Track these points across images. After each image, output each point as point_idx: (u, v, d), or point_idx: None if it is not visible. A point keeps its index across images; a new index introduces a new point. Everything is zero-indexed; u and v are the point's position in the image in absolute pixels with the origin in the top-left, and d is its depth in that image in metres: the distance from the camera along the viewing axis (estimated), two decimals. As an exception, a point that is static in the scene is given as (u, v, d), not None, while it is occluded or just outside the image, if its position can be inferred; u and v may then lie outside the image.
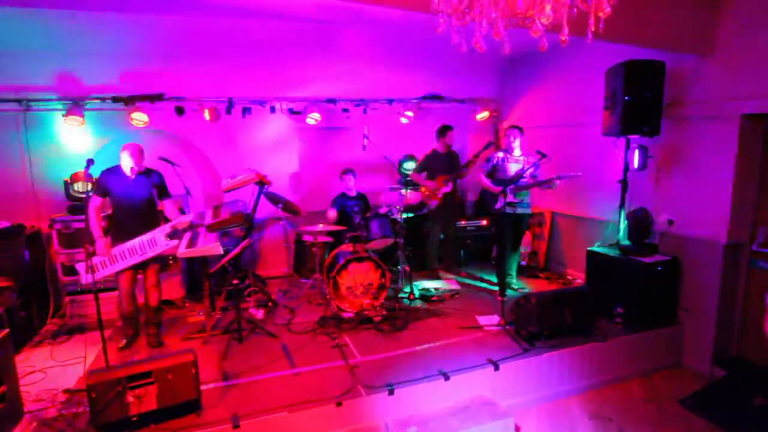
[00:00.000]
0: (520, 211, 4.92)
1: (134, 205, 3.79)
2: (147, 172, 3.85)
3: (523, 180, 4.76)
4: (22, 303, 4.07)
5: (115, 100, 4.95)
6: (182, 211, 4.61)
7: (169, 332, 4.24)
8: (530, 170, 4.74)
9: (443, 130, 5.47)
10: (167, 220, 3.90)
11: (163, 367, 2.83)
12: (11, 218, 4.43)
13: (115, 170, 3.76)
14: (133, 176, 3.72)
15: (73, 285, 4.46)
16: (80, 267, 3.68)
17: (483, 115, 6.50)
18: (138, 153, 3.72)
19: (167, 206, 3.98)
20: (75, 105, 4.74)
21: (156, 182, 3.87)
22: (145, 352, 3.83)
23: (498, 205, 4.58)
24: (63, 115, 4.69)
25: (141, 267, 3.85)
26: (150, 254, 3.73)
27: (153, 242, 3.72)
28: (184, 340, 4.03)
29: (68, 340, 4.15)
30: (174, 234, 3.77)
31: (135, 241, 3.72)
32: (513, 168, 4.89)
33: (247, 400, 3.09)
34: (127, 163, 3.69)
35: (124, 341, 3.92)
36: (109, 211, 3.94)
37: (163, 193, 3.96)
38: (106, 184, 3.72)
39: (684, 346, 4.22)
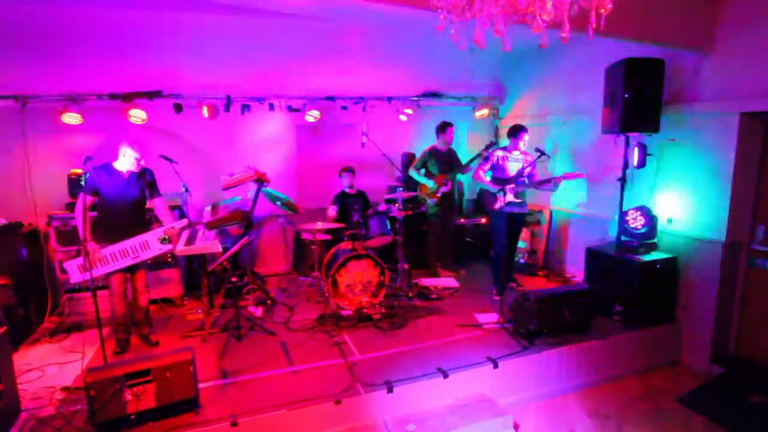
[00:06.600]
0: (517, 210, 4.73)
1: (126, 205, 3.65)
2: (140, 171, 3.71)
3: (522, 179, 4.61)
4: (19, 301, 4.04)
5: (112, 96, 4.93)
6: (183, 214, 4.56)
7: (167, 330, 4.23)
8: (528, 169, 4.62)
9: (443, 127, 5.43)
10: (158, 220, 3.82)
11: (162, 365, 2.83)
12: (9, 216, 4.41)
13: (107, 168, 3.62)
14: (127, 175, 3.62)
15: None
16: (68, 266, 3.52)
17: (482, 112, 6.49)
18: (140, 150, 3.61)
19: (158, 205, 3.88)
20: (73, 102, 4.72)
21: (148, 180, 3.76)
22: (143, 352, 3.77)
23: (497, 206, 4.54)
24: (60, 112, 4.67)
25: (130, 270, 3.76)
26: (143, 257, 3.62)
27: (145, 245, 3.60)
28: (183, 338, 4.02)
29: (66, 338, 4.13)
30: (166, 240, 3.63)
31: (126, 243, 3.58)
32: (513, 167, 4.70)
33: (246, 398, 3.08)
34: (130, 159, 3.57)
35: (118, 348, 3.78)
36: (94, 213, 3.73)
37: (154, 191, 3.84)
38: (97, 183, 3.56)
39: (682, 344, 4.23)
